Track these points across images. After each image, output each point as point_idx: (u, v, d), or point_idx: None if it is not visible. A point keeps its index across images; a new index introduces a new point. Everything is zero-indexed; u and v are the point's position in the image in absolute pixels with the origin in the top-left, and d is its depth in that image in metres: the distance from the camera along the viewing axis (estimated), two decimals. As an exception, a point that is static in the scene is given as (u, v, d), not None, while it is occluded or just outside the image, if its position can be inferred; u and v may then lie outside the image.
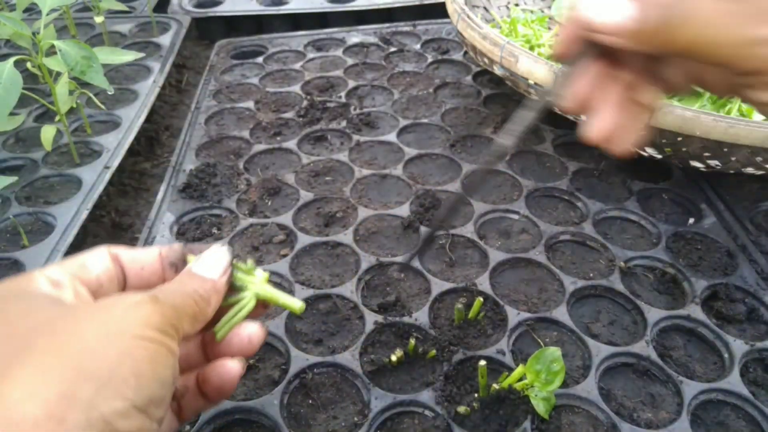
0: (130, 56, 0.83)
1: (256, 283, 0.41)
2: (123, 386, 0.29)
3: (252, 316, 0.40)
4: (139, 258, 0.40)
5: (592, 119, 0.39)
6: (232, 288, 0.40)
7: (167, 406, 0.32)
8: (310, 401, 0.51)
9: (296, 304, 0.41)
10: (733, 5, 0.31)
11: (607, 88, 0.39)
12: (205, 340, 0.40)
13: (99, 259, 0.38)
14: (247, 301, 0.40)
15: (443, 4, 0.88)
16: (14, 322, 0.31)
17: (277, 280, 0.62)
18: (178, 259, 0.40)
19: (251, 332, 0.39)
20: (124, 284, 0.39)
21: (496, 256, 0.64)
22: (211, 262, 0.39)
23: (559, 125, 0.84)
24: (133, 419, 0.29)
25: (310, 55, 1.06)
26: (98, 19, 1.01)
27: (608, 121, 0.39)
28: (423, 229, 0.57)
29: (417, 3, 1.21)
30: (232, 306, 0.40)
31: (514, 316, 0.57)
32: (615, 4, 0.34)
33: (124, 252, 0.39)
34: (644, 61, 0.38)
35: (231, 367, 0.39)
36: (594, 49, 0.38)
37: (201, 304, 0.36)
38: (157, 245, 0.41)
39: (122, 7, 1.06)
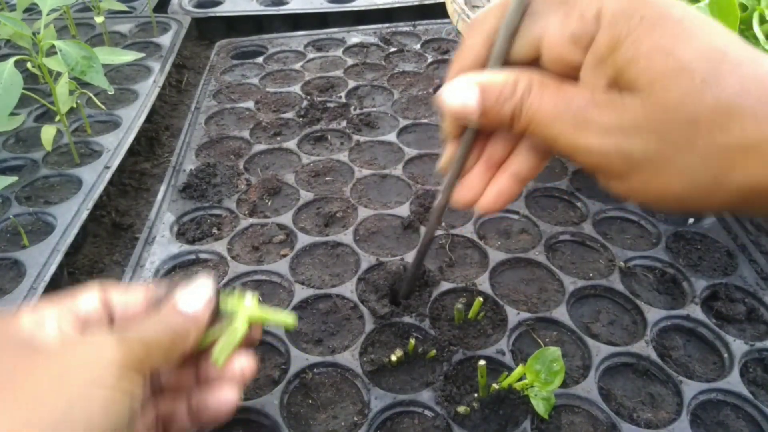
0: (130, 56, 0.84)
1: (246, 307, 0.42)
2: None
3: (250, 341, 0.42)
4: (125, 298, 0.40)
5: (460, 186, 0.42)
6: (224, 316, 0.41)
7: None
8: (310, 401, 0.51)
9: (288, 319, 0.43)
10: (566, 110, 0.32)
11: (480, 159, 0.41)
12: (198, 365, 0.41)
13: (89, 299, 0.39)
14: (239, 325, 0.41)
15: (443, 5, 0.88)
16: None
17: (276, 280, 0.62)
18: (162, 297, 0.41)
19: (243, 365, 0.40)
20: (113, 321, 0.40)
21: (495, 256, 0.64)
22: (194, 296, 0.40)
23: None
24: None
25: (310, 55, 1.06)
26: (98, 20, 1.01)
27: (473, 188, 0.41)
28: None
29: (417, 3, 1.21)
30: (226, 332, 0.41)
31: (514, 316, 0.57)
32: (459, 90, 0.35)
33: (114, 292, 0.40)
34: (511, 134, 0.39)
35: (227, 398, 0.40)
36: (472, 128, 0.39)
37: (177, 340, 0.37)
38: (144, 281, 0.42)
39: (122, 7, 1.06)
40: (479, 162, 0.41)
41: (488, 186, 0.41)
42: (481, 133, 0.40)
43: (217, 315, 0.41)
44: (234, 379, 0.40)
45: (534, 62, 0.35)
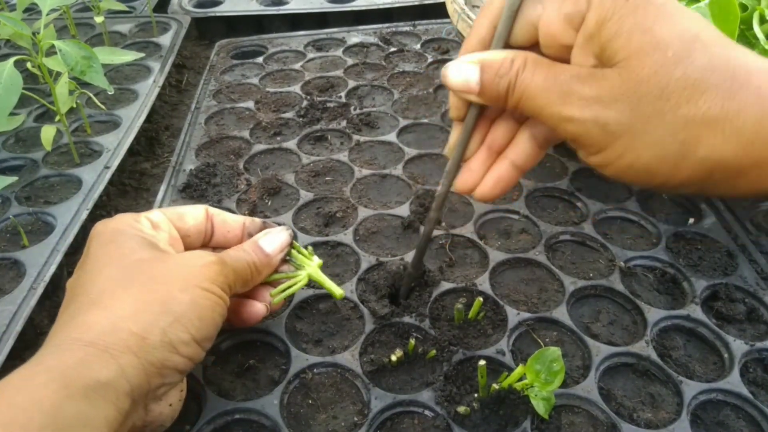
0: (129, 56, 0.84)
1: (311, 266, 0.52)
2: (189, 324, 0.40)
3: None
4: (228, 222, 0.51)
5: (462, 171, 0.44)
6: (292, 264, 0.52)
7: (213, 340, 0.44)
8: (310, 401, 0.51)
9: (338, 291, 0.52)
10: (553, 83, 0.36)
11: (482, 144, 0.44)
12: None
13: (195, 215, 0.50)
14: (301, 278, 0.51)
15: (443, 4, 0.88)
16: (126, 255, 0.43)
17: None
18: (256, 231, 0.51)
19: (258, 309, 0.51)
20: (210, 239, 0.51)
21: (496, 256, 0.64)
22: (274, 240, 0.50)
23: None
24: (191, 347, 0.41)
25: (310, 55, 1.06)
26: (98, 19, 1.01)
27: (474, 173, 0.44)
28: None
29: (417, 3, 1.21)
30: (288, 278, 0.51)
31: (514, 316, 0.57)
32: (463, 68, 0.39)
33: (217, 214, 0.51)
34: (513, 117, 0.42)
35: (259, 307, 0.50)
36: (476, 108, 0.42)
37: (254, 273, 0.48)
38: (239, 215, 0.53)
39: (122, 7, 1.06)
40: (481, 148, 0.44)
41: (488, 173, 0.43)
42: (484, 117, 0.43)
43: (286, 260, 0.51)
44: (265, 302, 0.51)
45: (533, 46, 0.38)
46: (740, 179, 0.33)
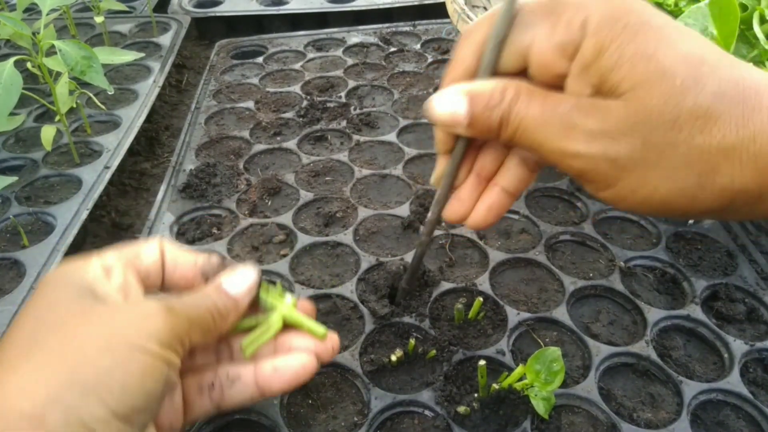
0: (129, 56, 0.84)
1: (285, 306, 0.43)
2: (107, 395, 0.31)
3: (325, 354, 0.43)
4: (177, 260, 0.42)
5: (451, 201, 0.42)
6: (263, 308, 0.43)
7: (153, 413, 0.34)
8: (310, 401, 0.51)
9: (320, 329, 0.43)
10: (552, 115, 0.33)
11: (470, 172, 0.42)
12: (230, 345, 0.44)
13: (151, 252, 0.41)
14: (274, 321, 0.43)
15: (443, 4, 0.88)
16: (47, 310, 0.34)
17: (276, 280, 0.62)
18: (212, 271, 0.42)
19: (297, 365, 0.42)
20: (163, 281, 0.42)
21: (496, 256, 0.64)
22: (239, 281, 0.41)
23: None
24: (111, 425, 0.31)
25: (310, 55, 1.06)
26: (98, 19, 1.01)
27: (464, 202, 0.41)
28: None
29: (417, 3, 1.21)
30: (259, 324, 0.43)
31: (514, 316, 0.57)
32: (449, 99, 0.36)
33: (168, 250, 0.42)
34: (502, 147, 0.40)
35: (297, 359, 0.42)
36: (464, 140, 0.40)
37: (217, 319, 0.39)
38: (193, 250, 0.44)
39: (122, 7, 1.06)
40: (470, 176, 0.42)
41: (479, 201, 0.41)
42: (471, 146, 0.41)
43: (256, 304, 0.42)
44: (308, 350, 0.42)
45: (522, 73, 0.35)
46: (761, 204, 0.32)
